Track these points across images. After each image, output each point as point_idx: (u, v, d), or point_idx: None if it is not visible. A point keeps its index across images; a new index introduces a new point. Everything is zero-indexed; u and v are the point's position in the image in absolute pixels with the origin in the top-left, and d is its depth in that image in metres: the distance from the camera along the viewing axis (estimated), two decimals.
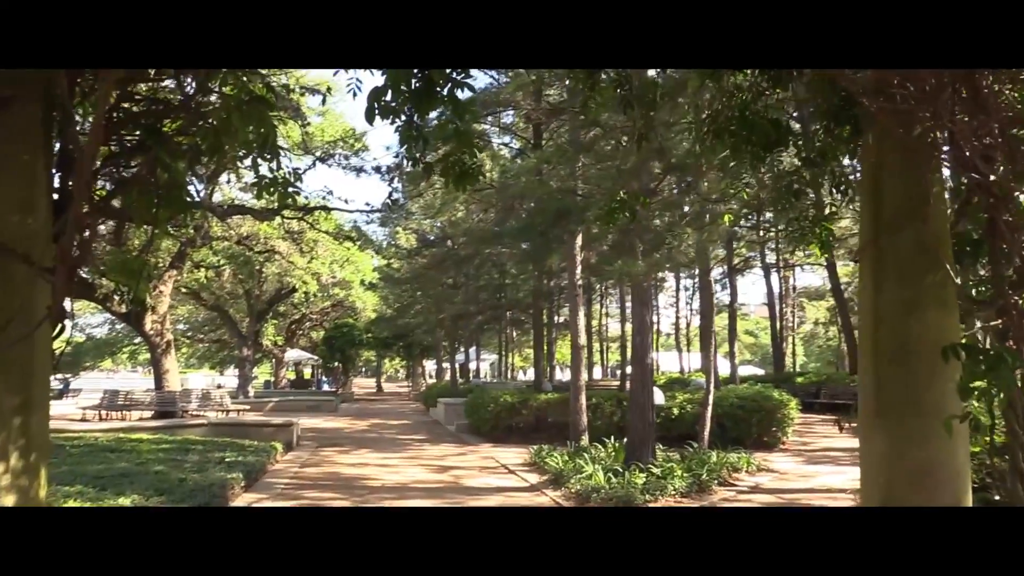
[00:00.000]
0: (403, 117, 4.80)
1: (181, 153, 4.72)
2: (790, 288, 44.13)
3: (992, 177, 4.01)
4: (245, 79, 4.49)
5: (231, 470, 11.43)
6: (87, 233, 3.87)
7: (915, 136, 4.21)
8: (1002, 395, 3.82)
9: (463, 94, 4.90)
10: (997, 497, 6.39)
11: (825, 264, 33.57)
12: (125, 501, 8.43)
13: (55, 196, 4.04)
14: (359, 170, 23.36)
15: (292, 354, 51.47)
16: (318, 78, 22.90)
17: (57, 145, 4.19)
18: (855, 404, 15.59)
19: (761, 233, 28.88)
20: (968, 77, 3.81)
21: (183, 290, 35.48)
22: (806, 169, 5.49)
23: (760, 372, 44.66)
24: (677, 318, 51.64)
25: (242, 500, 10.80)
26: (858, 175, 5.77)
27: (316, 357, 53.18)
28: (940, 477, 4.25)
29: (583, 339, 17.01)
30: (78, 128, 4.29)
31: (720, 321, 21.89)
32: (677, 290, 49.88)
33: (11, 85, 3.55)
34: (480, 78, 23.41)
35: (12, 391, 3.68)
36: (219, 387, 35.22)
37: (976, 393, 3.88)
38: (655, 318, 14.22)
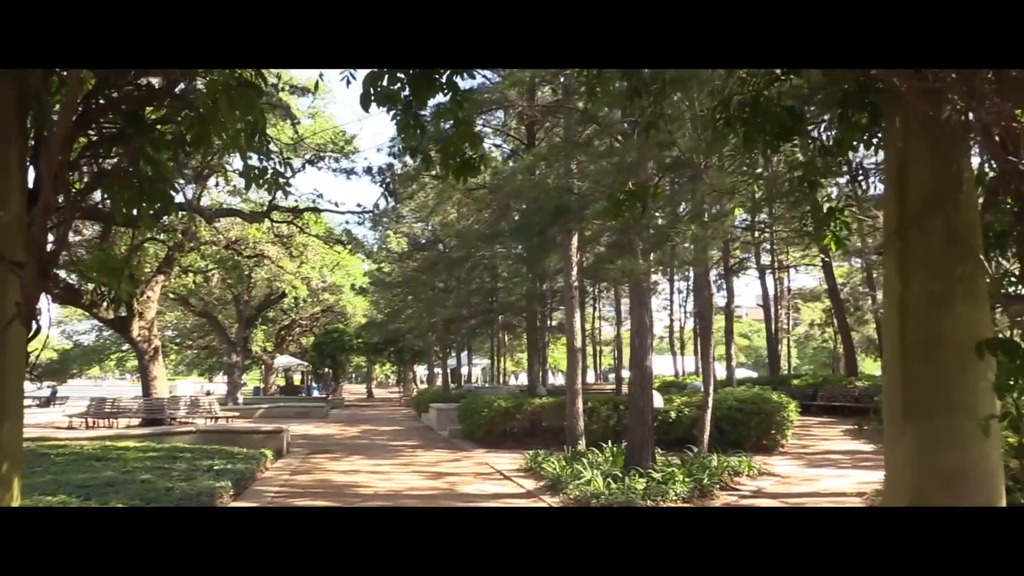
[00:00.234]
0: (400, 105, 4.56)
1: (165, 143, 4.46)
2: (785, 289, 43.95)
3: None
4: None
5: (220, 478, 11.12)
6: (62, 227, 3.59)
7: (945, 119, 3.99)
8: None
9: (464, 81, 4.66)
10: None
11: (821, 265, 33.44)
12: (110, 507, 8.12)
13: (30, 188, 3.78)
14: (349, 172, 23.07)
15: (282, 360, 51.07)
16: (307, 79, 22.66)
17: (33, 135, 3.93)
18: (873, 406, 15.36)
19: (757, 234, 28.77)
20: None
21: (171, 296, 35.13)
22: (821, 159, 5.26)
23: (754, 375, 44.48)
24: (671, 321, 51.46)
25: None
26: (876, 165, 5.59)
27: (306, 363, 52.80)
28: (972, 480, 4.02)
29: (579, 342, 16.73)
30: (55, 116, 4.02)
31: (716, 323, 21.70)
32: (671, 292, 49.68)
33: None
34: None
35: None
36: (208, 394, 34.74)
37: (1016, 392, 3.68)
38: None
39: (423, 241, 34.97)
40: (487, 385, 48.50)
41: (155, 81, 4.75)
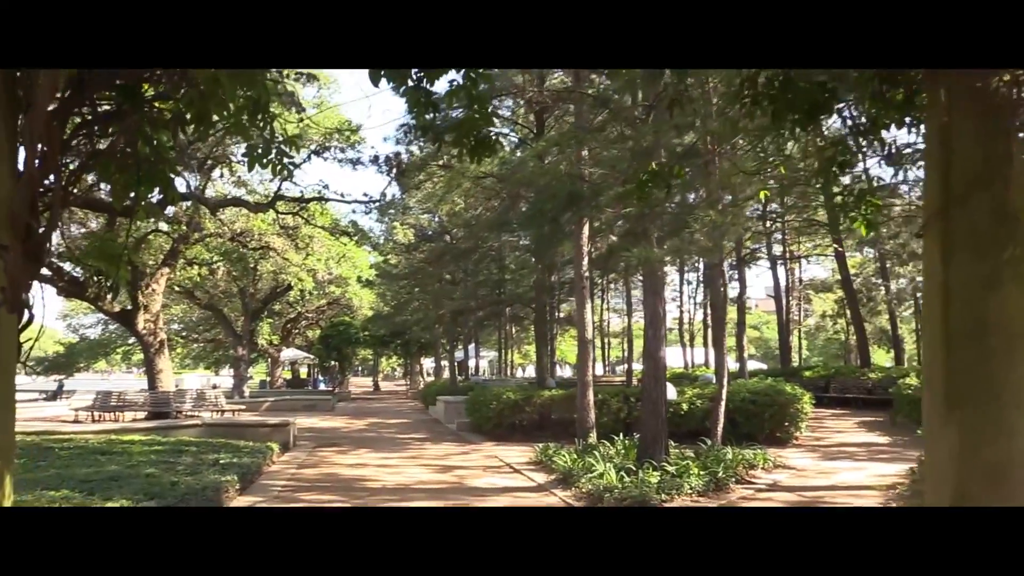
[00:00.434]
0: (411, 81, 4.32)
1: (164, 122, 4.22)
2: (796, 280, 43.59)
3: None
4: None
5: (226, 472, 10.93)
6: (53, 209, 3.35)
7: (993, 90, 3.75)
8: None
9: None
10: None
11: (834, 255, 33.08)
12: (114, 506, 7.92)
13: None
14: (356, 162, 22.79)
15: (288, 353, 50.97)
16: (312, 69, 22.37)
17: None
18: (895, 399, 14.95)
19: (768, 224, 28.46)
20: None
21: (176, 289, 35.00)
22: (853, 138, 5.01)
23: (763, 367, 44.18)
24: (680, 312, 51.14)
25: (237, 504, 10.29)
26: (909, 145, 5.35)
27: (312, 356, 52.72)
28: (1020, 472, 3.78)
29: (590, 333, 16.49)
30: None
31: (728, 314, 21.39)
32: (680, 283, 49.35)
33: None
34: None
35: None
36: (214, 387, 34.71)
37: None
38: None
39: (430, 232, 34.73)
40: (494, 377, 48.30)
41: None
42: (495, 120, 4.40)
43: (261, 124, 4.14)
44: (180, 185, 21.12)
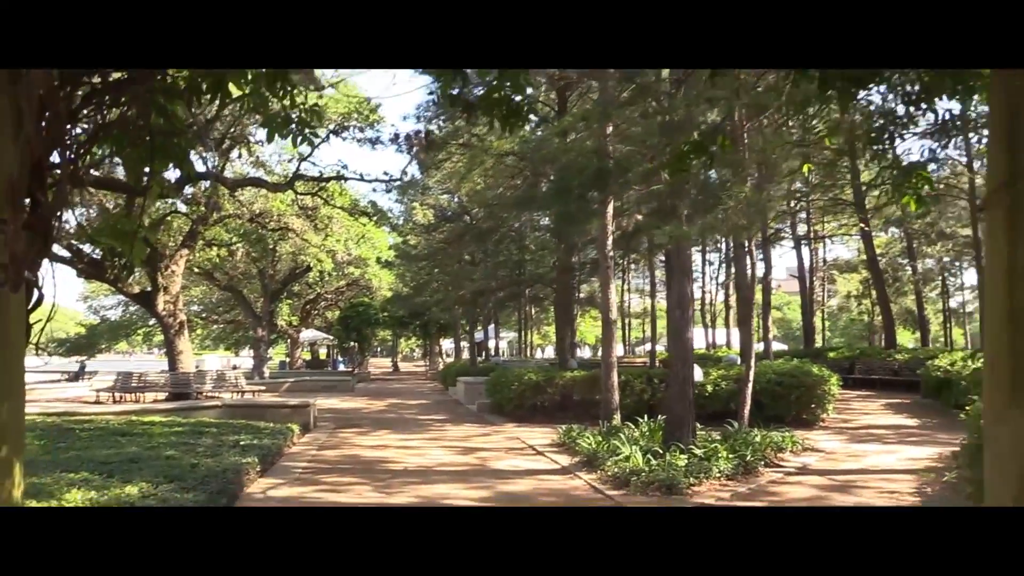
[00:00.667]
0: None
1: (178, 91, 4.00)
2: (819, 261, 43.06)
3: None
4: None
5: (246, 454, 10.80)
6: (60, 184, 3.14)
7: None
8: None
9: None
10: None
11: (860, 235, 32.60)
12: (132, 489, 7.79)
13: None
14: (375, 141, 22.56)
15: (307, 334, 51.09)
16: None
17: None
18: (923, 381, 14.68)
19: (793, 203, 28.05)
20: None
21: (196, 270, 35.04)
22: (904, 107, 4.72)
23: (783, 348, 43.81)
24: (703, 292, 50.70)
25: (257, 486, 10.16)
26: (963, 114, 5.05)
27: (331, 337, 52.76)
28: None
29: (614, 313, 16.23)
30: None
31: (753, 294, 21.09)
32: (703, 264, 48.87)
33: None
34: None
35: None
36: (234, 368, 34.73)
37: None
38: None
39: (449, 213, 34.51)
40: (514, 358, 48.18)
41: None
42: (527, 88, 4.12)
43: (280, 94, 3.91)
44: (198, 165, 21.18)
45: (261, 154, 25.44)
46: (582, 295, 36.93)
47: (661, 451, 11.16)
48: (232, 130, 21.78)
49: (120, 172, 16.35)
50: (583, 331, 55.94)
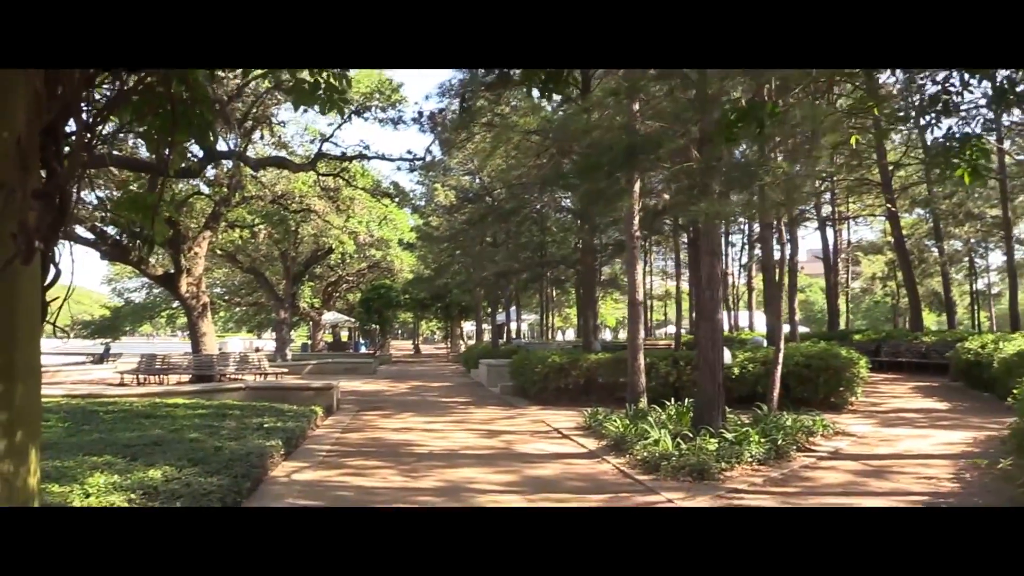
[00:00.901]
0: None
1: None
2: (843, 242, 42.47)
3: None
4: None
5: (270, 437, 10.71)
6: (75, 153, 2.98)
7: None
8: None
9: None
10: None
11: (886, 215, 32.09)
12: (156, 473, 7.68)
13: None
14: (397, 121, 22.38)
15: (329, 316, 51.19)
16: None
17: None
18: (953, 363, 14.36)
19: (819, 183, 27.56)
20: None
21: (219, 252, 35.11)
22: (959, 74, 4.46)
23: (806, 330, 43.36)
24: (725, 274, 50.34)
25: (281, 469, 10.07)
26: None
27: (353, 319, 52.85)
28: None
29: (640, 295, 15.99)
30: None
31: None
32: (725, 244, 48.47)
33: None
34: None
35: None
36: (257, 350, 34.83)
37: None
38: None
39: (471, 194, 34.30)
40: (535, 341, 48.05)
41: None
42: None
43: None
44: (220, 146, 21.10)
45: (283, 135, 25.34)
46: (603, 277, 36.70)
47: (691, 435, 10.95)
48: (254, 110, 21.66)
49: (143, 152, 16.28)
50: (603, 313, 55.66)
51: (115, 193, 19.61)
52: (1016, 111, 20.28)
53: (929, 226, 36.86)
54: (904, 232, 33.22)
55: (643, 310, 51.42)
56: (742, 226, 40.74)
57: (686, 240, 34.41)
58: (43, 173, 2.92)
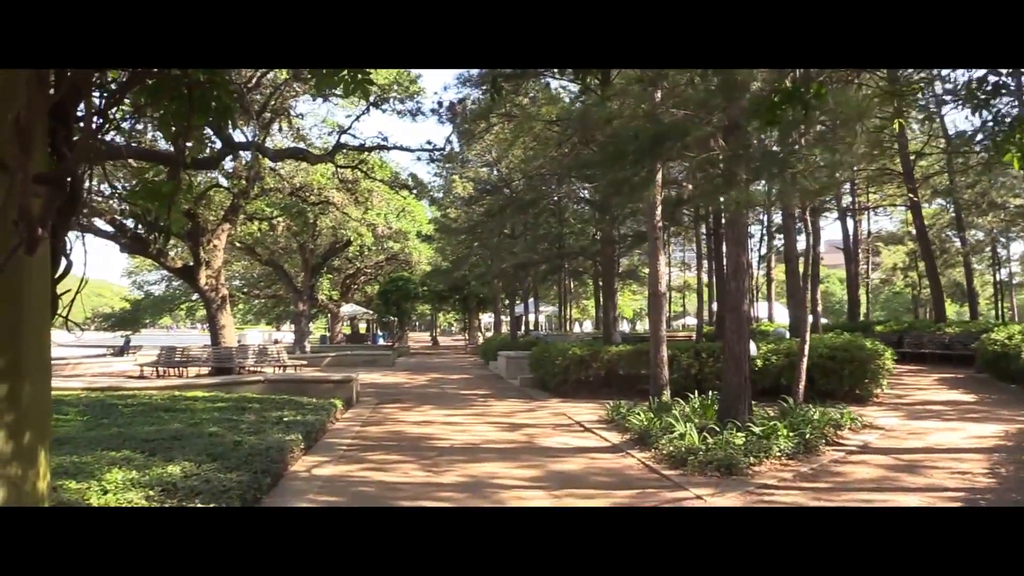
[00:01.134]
0: None
1: None
2: (863, 233, 41.99)
3: None
4: None
5: (290, 430, 10.59)
6: (83, 135, 2.82)
7: None
8: None
9: None
10: None
11: (908, 206, 31.67)
12: (175, 468, 7.57)
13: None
14: (416, 113, 22.20)
15: (347, 308, 51.23)
16: None
17: None
18: (978, 354, 14.06)
19: (839, 173, 27.20)
20: None
21: (238, 245, 35.14)
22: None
23: (825, 321, 42.94)
24: (749, 264, 49.99)
25: (302, 464, 9.96)
26: None
27: (371, 311, 52.86)
28: None
29: (663, 286, 15.76)
30: None
31: (800, 267, 20.47)
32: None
33: None
34: None
35: None
36: (276, 342, 34.81)
37: None
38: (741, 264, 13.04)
39: (490, 186, 34.12)
40: (553, 332, 47.88)
41: None
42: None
43: None
44: (237, 136, 21.03)
45: (302, 127, 25.26)
46: (621, 269, 36.46)
47: (717, 428, 10.76)
48: (272, 102, 21.56)
49: (163, 145, 16.19)
50: (620, 305, 55.39)
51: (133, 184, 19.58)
52: None
53: (951, 216, 36.38)
54: (926, 222, 32.79)
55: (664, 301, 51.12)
56: (760, 216, 40.32)
57: (705, 231, 34.14)
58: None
